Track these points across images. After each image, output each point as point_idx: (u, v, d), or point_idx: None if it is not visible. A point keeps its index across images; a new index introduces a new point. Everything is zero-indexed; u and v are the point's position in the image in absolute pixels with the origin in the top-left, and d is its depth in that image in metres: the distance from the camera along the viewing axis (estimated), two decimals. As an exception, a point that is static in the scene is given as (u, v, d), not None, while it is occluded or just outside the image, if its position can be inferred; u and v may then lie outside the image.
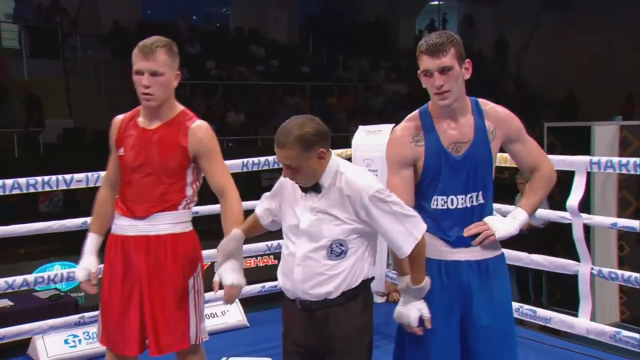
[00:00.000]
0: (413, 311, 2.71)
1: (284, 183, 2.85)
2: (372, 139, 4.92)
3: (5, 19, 16.09)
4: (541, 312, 4.46)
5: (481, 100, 2.83)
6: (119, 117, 3.23)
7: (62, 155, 13.22)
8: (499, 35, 22.72)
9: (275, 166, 5.07)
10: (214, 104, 15.91)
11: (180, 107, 3.15)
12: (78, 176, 4.14)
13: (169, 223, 3.07)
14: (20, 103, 14.09)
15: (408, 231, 2.68)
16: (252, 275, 4.21)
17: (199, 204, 3.39)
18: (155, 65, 2.99)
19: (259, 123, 16.15)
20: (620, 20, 19.45)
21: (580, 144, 7.27)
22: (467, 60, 2.74)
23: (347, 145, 5.33)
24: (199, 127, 3.08)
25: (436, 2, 24.64)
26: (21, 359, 4.60)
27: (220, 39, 19.20)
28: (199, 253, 3.18)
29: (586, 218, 4.32)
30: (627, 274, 4.27)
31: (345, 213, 2.68)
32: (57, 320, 4.22)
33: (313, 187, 2.72)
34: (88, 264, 3.17)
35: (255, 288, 4.87)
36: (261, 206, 2.99)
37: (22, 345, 4.61)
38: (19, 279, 4.26)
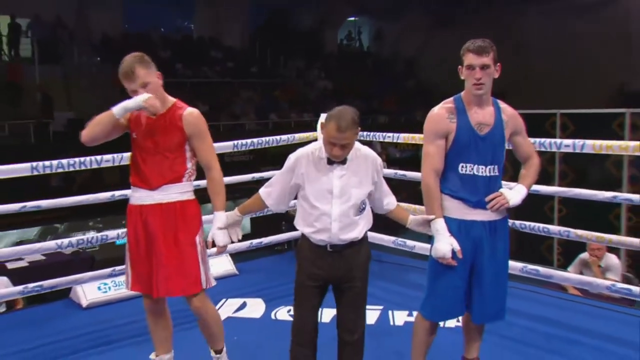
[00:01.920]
0: (446, 246, 2.76)
1: (299, 160, 2.80)
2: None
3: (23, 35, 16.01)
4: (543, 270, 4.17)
5: (499, 100, 2.90)
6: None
7: (68, 140, 13.00)
8: (398, 44, 22.90)
9: (261, 146, 4.91)
10: (183, 98, 15.63)
11: (172, 99, 3.06)
12: (107, 157, 4.03)
13: (176, 192, 2.99)
14: (33, 100, 14.14)
15: (391, 193, 2.98)
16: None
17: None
18: (139, 82, 2.89)
19: (219, 111, 16.04)
20: (500, 32, 19.72)
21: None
22: (499, 63, 2.79)
23: (294, 126, 5.25)
24: (191, 113, 3.00)
25: (353, 19, 24.61)
26: (63, 301, 4.48)
27: (186, 46, 19.07)
28: (200, 216, 3.11)
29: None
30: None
31: (366, 177, 2.79)
32: (94, 273, 4.13)
33: (341, 161, 2.74)
34: None
35: (244, 244, 4.76)
36: (266, 189, 2.94)
37: (59, 293, 4.48)
38: (69, 240, 4.22)
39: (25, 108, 14.01)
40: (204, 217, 3.13)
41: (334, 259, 2.80)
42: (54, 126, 13.60)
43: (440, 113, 2.84)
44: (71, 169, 3.87)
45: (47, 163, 3.78)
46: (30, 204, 3.84)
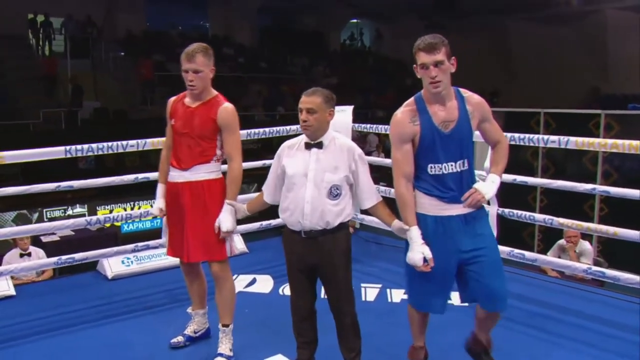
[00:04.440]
0: (417, 254, 2.54)
1: (284, 148, 2.79)
2: (338, 116, 4.77)
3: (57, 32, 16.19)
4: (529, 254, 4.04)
5: (461, 89, 2.62)
6: (171, 99, 3.17)
7: (93, 127, 13.08)
8: (396, 43, 22.77)
9: (271, 135, 4.90)
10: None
11: (214, 92, 3.08)
12: (132, 142, 4.01)
13: (205, 172, 3.03)
14: (65, 91, 14.44)
15: (373, 191, 2.78)
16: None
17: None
18: (195, 66, 2.95)
19: (231, 103, 15.91)
20: (489, 38, 19.61)
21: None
22: (453, 57, 2.53)
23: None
24: (225, 108, 3.02)
25: (355, 20, 24.43)
26: (91, 273, 4.49)
27: (201, 42, 18.79)
28: (225, 192, 3.10)
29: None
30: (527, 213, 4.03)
31: (342, 163, 2.67)
32: (120, 248, 4.11)
33: (317, 144, 2.68)
34: (160, 204, 3.21)
35: (255, 225, 4.74)
36: (264, 186, 2.91)
37: (87, 265, 4.47)
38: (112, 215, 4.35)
39: (57, 98, 14.23)
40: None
41: (307, 246, 2.70)
42: (82, 114, 13.72)
43: (403, 117, 2.59)
44: (100, 152, 3.84)
45: (78, 147, 3.76)
46: (64, 184, 3.82)
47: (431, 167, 2.57)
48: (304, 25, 22.09)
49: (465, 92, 2.62)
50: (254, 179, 8.71)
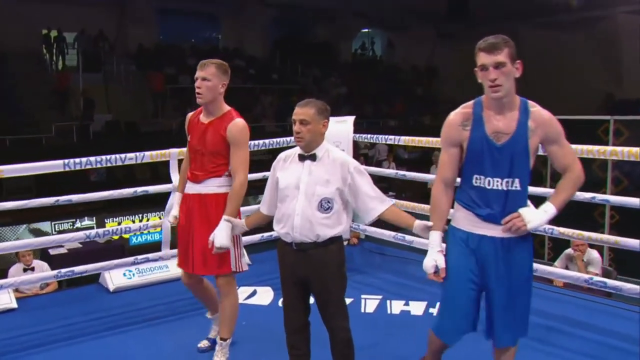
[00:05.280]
0: (429, 261, 2.43)
1: (279, 159, 2.78)
2: (339, 127, 4.80)
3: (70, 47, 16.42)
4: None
5: (530, 102, 2.35)
6: (189, 114, 3.25)
7: (105, 140, 13.22)
8: (408, 53, 22.76)
9: (272, 147, 4.90)
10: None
11: (227, 108, 3.11)
12: (130, 155, 4.02)
13: (215, 186, 3.08)
14: (77, 104, 14.58)
15: (380, 198, 2.67)
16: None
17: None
18: (205, 74, 3.02)
19: (242, 115, 15.92)
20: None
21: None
22: (518, 61, 2.28)
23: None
24: (235, 124, 3.04)
25: (366, 30, 24.46)
26: (93, 285, 4.51)
27: (212, 55, 18.74)
28: None
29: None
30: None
31: (334, 177, 2.63)
32: (120, 261, 4.12)
33: (310, 156, 2.66)
34: (175, 212, 3.31)
35: (256, 237, 4.73)
36: (263, 197, 2.88)
37: (90, 277, 4.49)
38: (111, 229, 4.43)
39: (69, 111, 14.41)
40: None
41: (299, 258, 2.66)
42: (93, 127, 13.87)
43: (454, 120, 2.40)
44: (98, 165, 3.87)
45: (77, 160, 3.79)
46: (63, 198, 3.84)
47: (476, 179, 2.37)
48: (315, 36, 22.16)
49: (534, 106, 2.36)
50: (261, 190, 8.72)
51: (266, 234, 4.80)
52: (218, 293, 3.27)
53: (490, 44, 2.26)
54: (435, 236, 2.43)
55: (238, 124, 3.04)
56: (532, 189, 3.89)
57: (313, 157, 2.66)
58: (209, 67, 3.03)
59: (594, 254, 5.08)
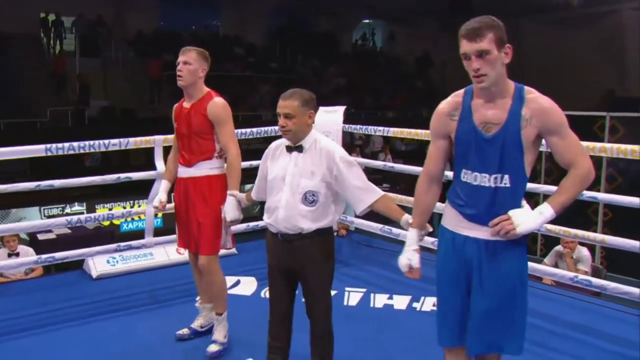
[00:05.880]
0: (403, 259, 2.32)
1: (269, 149, 2.74)
2: (329, 117, 4.75)
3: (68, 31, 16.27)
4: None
5: (527, 88, 2.09)
6: (176, 104, 3.35)
7: (100, 125, 13.17)
8: (408, 45, 22.62)
9: (272, 134, 4.82)
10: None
11: (206, 90, 3.21)
12: (114, 141, 4.01)
13: (207, 168, 3.19)
14: (73, 89, 14.50)
15: (368, 189, 2.59)
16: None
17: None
18: (186, 58, 3.14)
19: (239, 103, 15.92)
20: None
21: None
22: (508, 45, 2.02)
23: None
24: (214, 103, 3.14)
25: (367, 21, 24.29)
26: (77, 271, 4.49)
27: (212, 43, 18.86)
28: (225, 189, 3.19)
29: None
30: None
31: (319, 169, 2.58)
32: (101, 247, 4.09)
33: (297, 148, 2.61)
34: (162, 197, 3.38)
35: (242, 226, 4.69)
36: (254, 185, 2.88)
37: (77, 263, 4.48)
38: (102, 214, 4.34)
39: (65, 96, 14.34)
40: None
41: (285, 249, 2.64)
42: (89, 112, 13.82)
43: (442, 109, 2.20)
44: (81, 151, 3.83)
45: (60, 145, 3.76)
46: (44, 183, 3.81)
47: (464, 174, 2.15)
48: (315, 26, 22.04)
49: (531, 93, 2.08)
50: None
51: (252, 224, 4.77)
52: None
53: (471, 29, 2.00)
54: (413, 234, 2.31)
55: (217, 103, 3.15)
56: (530, 185, 3.88)
57: (300, 149, 2.62)
58: (190, 52, 3.16)
59: (584, 251, 5.04)
